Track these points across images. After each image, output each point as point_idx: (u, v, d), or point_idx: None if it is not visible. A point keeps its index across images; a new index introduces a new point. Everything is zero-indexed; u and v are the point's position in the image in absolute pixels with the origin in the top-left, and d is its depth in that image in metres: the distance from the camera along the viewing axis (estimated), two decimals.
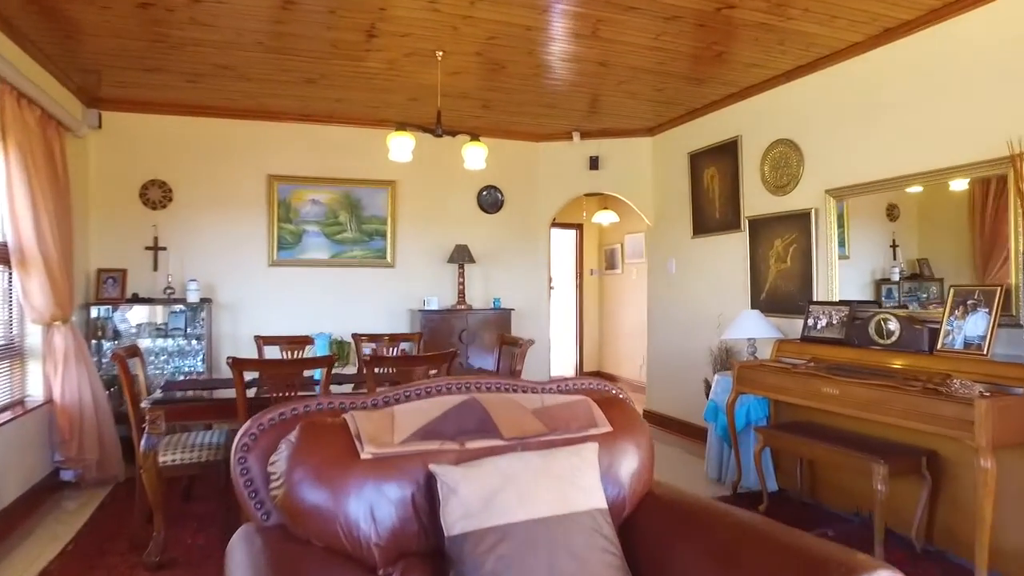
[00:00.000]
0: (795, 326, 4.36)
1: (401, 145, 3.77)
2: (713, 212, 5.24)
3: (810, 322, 4.06)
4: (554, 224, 8.46)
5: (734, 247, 5.01)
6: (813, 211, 4.26)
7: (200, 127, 5.24)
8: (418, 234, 5.85)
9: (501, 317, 5.68)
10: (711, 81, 4.60)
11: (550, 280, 6.48)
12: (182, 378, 4.79)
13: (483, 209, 6.07)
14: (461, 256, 5.62)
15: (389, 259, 5.74)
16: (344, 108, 5.25)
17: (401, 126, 3.80)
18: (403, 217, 5.81)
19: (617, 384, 2.30)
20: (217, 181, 5.29)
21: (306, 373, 3.17)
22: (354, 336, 4.45)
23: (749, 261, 4.83)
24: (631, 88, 4.73)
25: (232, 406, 2.93)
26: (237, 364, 2.86)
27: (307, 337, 4.23)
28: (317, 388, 3.13)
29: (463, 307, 5.60)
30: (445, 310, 5.56)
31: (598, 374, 8.79)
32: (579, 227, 8.74)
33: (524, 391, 1.93)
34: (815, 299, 4.23)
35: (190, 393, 3.33)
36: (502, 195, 6.11)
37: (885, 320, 3.50)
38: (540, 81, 4.58)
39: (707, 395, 4.91)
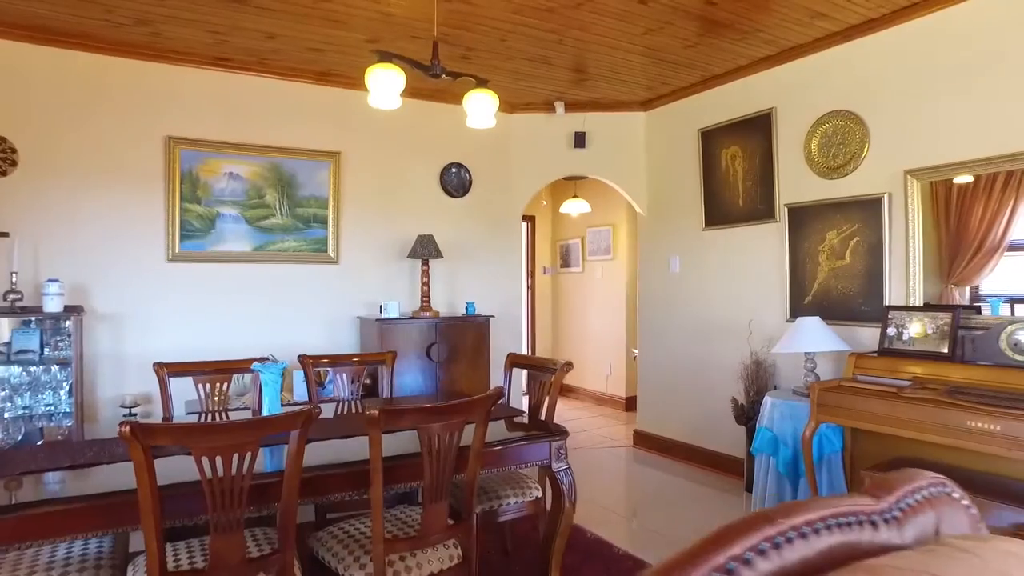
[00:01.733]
0: (856, 336, 3.60)
1: (385, 82, 2.59)
2: (734, 199, 4.41)
3: (891, 332, 3.31)
4: None
5: (765, 241, 4.21)
6: (886, 197, 3.51)
7: (62, 63, 3.73)
8: (369, 221, 4.62)
9: (477, 327, 4.57)
10: (751, 38, 3.75)
11: (532, 277, 5.43)
12: (39, 433, 3.31)
13: (448, 192, 4.93)
14: (425, 249, 4.46)
15: (332, 253, 4.47)
16: (277, 51, 3.93)
17: (386, 56, 2.62)
18: (350, 199, 4.55)
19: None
20: (89, 141, 3.80)
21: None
22: (303, 360, 3.19)
23: (789, 257, 4.04)
24: (631, 50, 3.79)
25: (131, 503, 1.65)
26: (143, 434, 1.59)
27: (242, 362, 2.94)
28: (274, 461, 1.92)
29: (429, 314, 4.44)
30: (406, 319, 4.38)
31: None
32: (531, 219, 7.76)
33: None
34: (889, 303, 3.49)
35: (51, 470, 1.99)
36: (470, 175, 5.00)
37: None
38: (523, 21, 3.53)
39: (738, 417, 4.07)
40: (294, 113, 4.35)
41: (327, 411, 2.97)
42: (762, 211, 4.22)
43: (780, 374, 4.09)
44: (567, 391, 7.61)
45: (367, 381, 4.03)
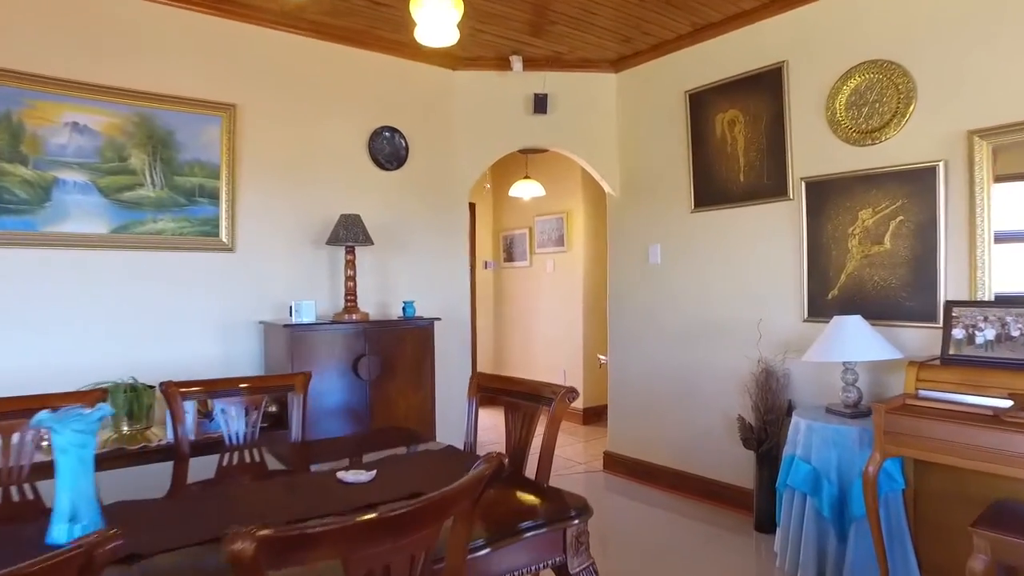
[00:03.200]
0: (898, 339, 2.89)
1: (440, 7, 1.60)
2: (732, 174, 3.65)
3: (958, 334, 2.60)
4: None
5: (775, 223, 3.46)
6: (940, 166, 2.81)
7: None
8: (276, 196, 3.55)
9: (418, 334, 3.59)
10: None
11: (472, 272, 4.52)
12: None
13: (379, 163, 3.92)
14: (351, 233, 3.44)
15: (225, 237, 3.38)
16: None
17: None
18: (250, 167, 3.47)
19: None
20: None
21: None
22: (167, 390, 2.13)
23: (807, 242, 3.30)
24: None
25: None
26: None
27: (80, 393, 1.86)
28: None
29: (356, 318, 3.43)
30: (326, 323, 3.35)
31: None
32: (471, 206, 6.82)
33: None
34: (947, 298, 2.79)
35: None
36: (406, 143, 4.01)
37: None
38: None
39: (746, 440, 3.30)
40: (173, 49, 3.23)
41: (199, 468, 1.94)
42: (770, 188, 3.47)
43: (794, 387, 3.35)
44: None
45: (272, 408, 3.00)
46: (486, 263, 6.95)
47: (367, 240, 3.49)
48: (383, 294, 3.91)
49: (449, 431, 3.80)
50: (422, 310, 3.91)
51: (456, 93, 4.21)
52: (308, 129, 3.65)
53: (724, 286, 3.71)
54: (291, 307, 3.33)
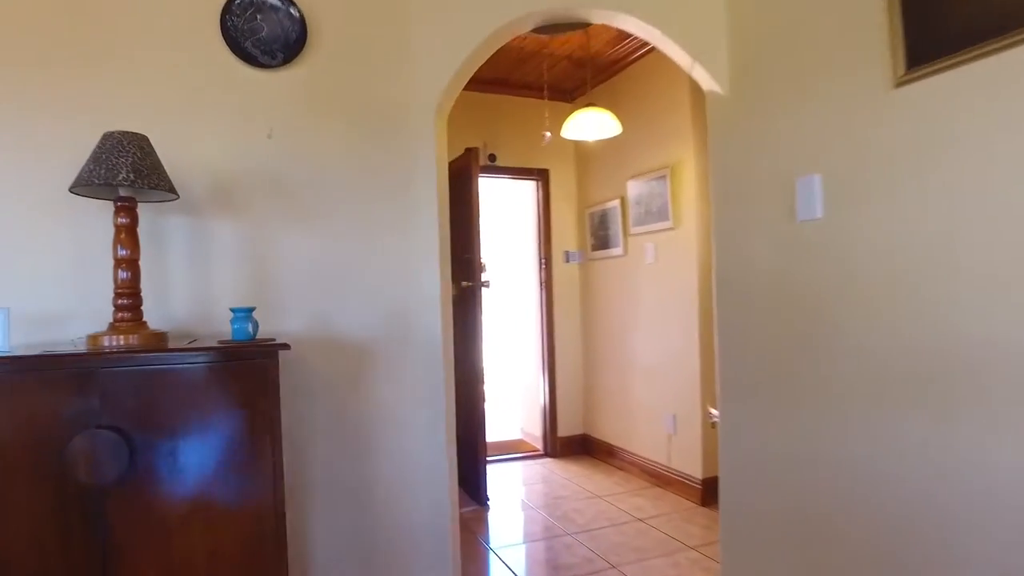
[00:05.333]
0: None
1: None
2: None
3: None
4: (486, 170, 4.60)
5: None
6: None
7: None
8: (18, 104, 1.88)
9: (245, 375, 1.69)
10: None
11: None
12: None
13: (244, 53, 2.10)
14: (124, 172, 1.65)
15: None
16: None
17: None
18: None
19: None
20: None
21: None
22: None
23: None
24: None
25: None
26: None
27: None
28: None
29: (116, 344, 1.63)
30: (45, 356, 1.58)
31: (585, 440, 4.86)
32: (540, 175, 4.84)
33: None
34: None
35: None
36: (301, 16, 2.17)
37: None
38: None
39: None
40: None
41: None
42: None
43: None
44: (601, 454, 4.61)
45: None
46: (567, 254, 4.91)
47: (162, 186, 1.68)
48: (257, 297, 2.09)
49: None
50: (342, 322, 2.04)
51: None
52: None
53: (1005, 258, 1.40)
54: None
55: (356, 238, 2.21)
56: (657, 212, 3.96)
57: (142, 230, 1.86)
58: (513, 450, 4.92)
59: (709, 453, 3.60)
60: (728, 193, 2.19)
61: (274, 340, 1.73)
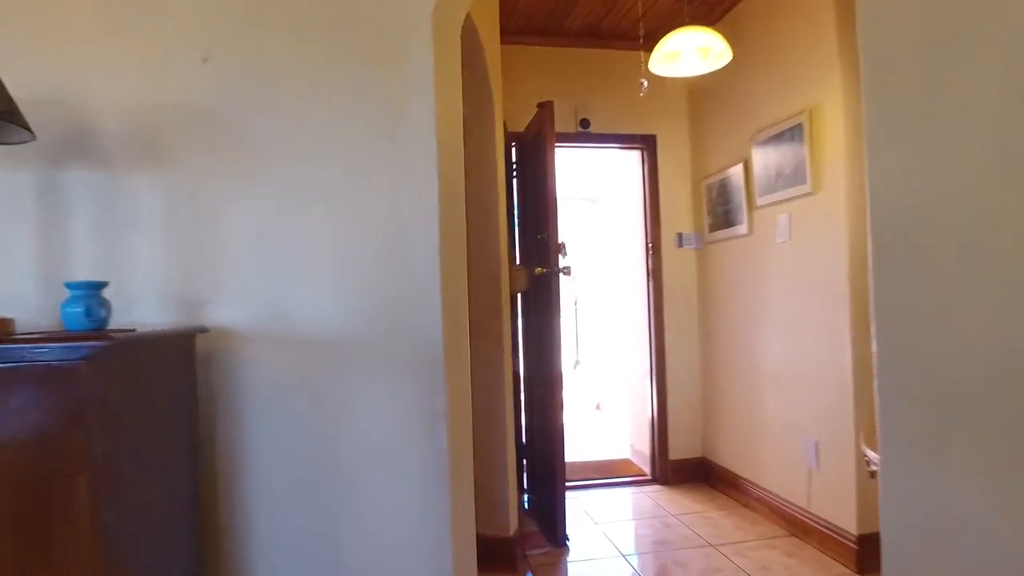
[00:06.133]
0: None
1: None
2: None
3: None
4: (578, 138, 3.88)
5: None
6: None
7: None
8: None
9: (48, 384, 1.14)
10: None
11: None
12: None
13: None
14: None
15: None
16: None
17: None
18: None
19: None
20: None
21: None
22: None
23: None
24: None
25: None
26: None
27: None
28: None
29: None
30: None
31: (702, 465, 3.96)
32: (645, 142, 4.01)
33: None
34: None
35: None
36: None
37: None
38: None
39: None
40: None
41: None
42: None
43: None
44: (721, 484, 3.70)
45: None
46: (679, 236, 4.04)
47: (9, 118, 1.18)
48: (187, 277, 1.56)
49: None
50: (301, 313, 1.47)
51: None
52: None
53: None
54: None
55: (322, 197, 1.62)
56: (791, 174, 3.01)
57: (25, 186, 1.39)
58: (615, 472, 4.15)
59: (867, 500, 2.62)
60: (888, 152, 1.31)
61: (133, 330, 1.17)
